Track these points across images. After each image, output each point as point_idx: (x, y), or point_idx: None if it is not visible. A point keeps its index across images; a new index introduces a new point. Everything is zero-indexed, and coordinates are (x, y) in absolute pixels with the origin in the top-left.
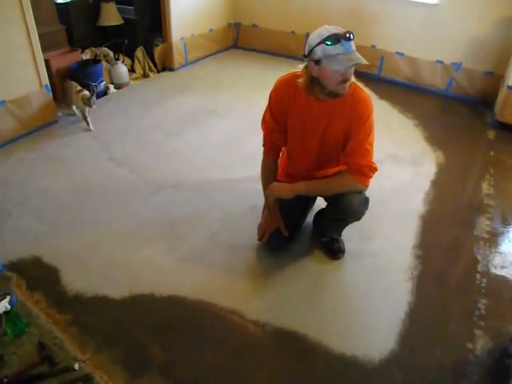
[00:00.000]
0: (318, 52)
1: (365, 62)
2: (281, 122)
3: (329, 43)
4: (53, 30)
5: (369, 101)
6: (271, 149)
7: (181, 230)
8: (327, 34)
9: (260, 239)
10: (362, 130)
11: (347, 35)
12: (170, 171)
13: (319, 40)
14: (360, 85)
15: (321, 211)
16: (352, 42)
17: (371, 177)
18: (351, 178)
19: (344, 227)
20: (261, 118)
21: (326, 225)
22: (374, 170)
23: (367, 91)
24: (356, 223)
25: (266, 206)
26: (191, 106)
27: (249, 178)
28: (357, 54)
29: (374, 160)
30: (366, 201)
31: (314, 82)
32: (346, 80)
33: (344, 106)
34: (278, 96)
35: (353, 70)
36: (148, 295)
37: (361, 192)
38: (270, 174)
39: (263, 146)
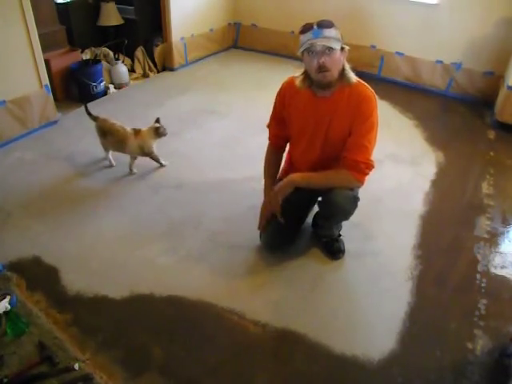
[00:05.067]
0: (300, 43)
1: (325, 44)
2: (283, 123)
3: (302, 32)
4: (53, 30)
5: (372, 98)
6: (275, 145)
7: (181, 229)
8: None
9: (260, 228)
10: (363, 127)
11: (319, 23)
12: (170, 171)
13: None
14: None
15: (317, 211)
16: (324, 30)
17: (367, 174)
18: (347, 173)
19: (335, 225)
20: (261, 117)
21: (320, 223)
22: (371, 167)
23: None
24: (356, 223)
25: (264, 191)
26: (191, 105)
27: (249, 178)
28: (325, 40)
29: (372, 158)
30: (354, 199)
31: (307, 76)
32: (321, 68)
33: (347, 104)
34: (279, 97)
35: (331, 58)
36: (148, 295)
37: (353, 189)
38: (271, 164)
39: (268, 139)
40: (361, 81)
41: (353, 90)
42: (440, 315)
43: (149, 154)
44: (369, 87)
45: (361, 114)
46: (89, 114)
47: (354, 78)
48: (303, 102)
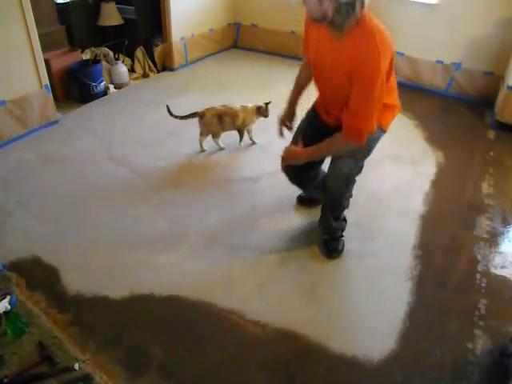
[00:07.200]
0: None
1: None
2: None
3: None
4: (53, 29)
5: (377, 62)
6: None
7: (181, 229)
8: None
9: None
10: (363, 93)
11: None
12: (170, 171)
13: None
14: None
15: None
16: None
17: (364, 136)
18: (341, 138)
19: (333, 218)
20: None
21: (321, 214)
22: (368, 131)
23: None
24: (356, 223)
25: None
26: (191, 105)
27: (249, 178)
28: None
29: (371, 122)
30: (347, 179)
31: None
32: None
33: (351, 52)
34: (306, 19)
35: (305, 2)
36: (148, 295)
37: (351, 161)
38: (300, 74)
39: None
40: (379, 30)
41: (363, 41)
42: (440, 315)
43: (244, 126)
44: (379, 44)
45: (362, 77)
46: (192, 114)
47: (346, 29)
48: (319, 30)
